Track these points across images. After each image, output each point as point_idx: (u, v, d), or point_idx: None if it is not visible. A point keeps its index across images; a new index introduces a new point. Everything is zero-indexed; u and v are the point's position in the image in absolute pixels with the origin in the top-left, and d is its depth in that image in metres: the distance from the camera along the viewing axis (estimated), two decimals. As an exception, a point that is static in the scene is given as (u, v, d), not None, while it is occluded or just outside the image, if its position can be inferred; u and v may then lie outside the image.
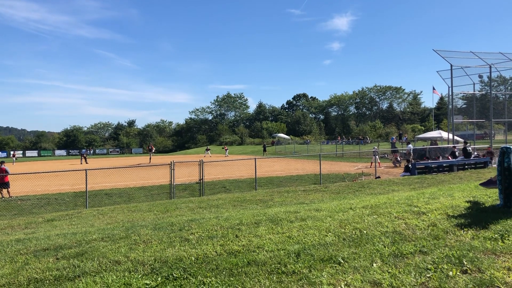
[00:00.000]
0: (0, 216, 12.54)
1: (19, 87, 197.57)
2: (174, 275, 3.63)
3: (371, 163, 28.27)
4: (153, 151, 43.42)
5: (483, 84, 31.43)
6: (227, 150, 57.06)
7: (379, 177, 18.89)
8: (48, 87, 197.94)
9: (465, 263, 3.47)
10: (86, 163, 42.31)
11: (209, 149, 57.24)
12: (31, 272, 3.99)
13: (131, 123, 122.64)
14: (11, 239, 6.39)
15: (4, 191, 16.80)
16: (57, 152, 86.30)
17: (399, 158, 28.06)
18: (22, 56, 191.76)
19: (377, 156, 26.59)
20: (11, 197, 16.54)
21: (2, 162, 18.04)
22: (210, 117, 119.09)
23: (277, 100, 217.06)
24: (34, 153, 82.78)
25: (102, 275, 3.74)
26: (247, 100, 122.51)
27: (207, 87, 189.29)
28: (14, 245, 5.62)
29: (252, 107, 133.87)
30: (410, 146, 31.33)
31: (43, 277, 3.81)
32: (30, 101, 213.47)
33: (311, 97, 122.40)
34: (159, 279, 3.57)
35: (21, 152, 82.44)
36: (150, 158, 39.73)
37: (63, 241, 5.53)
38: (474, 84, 28.88)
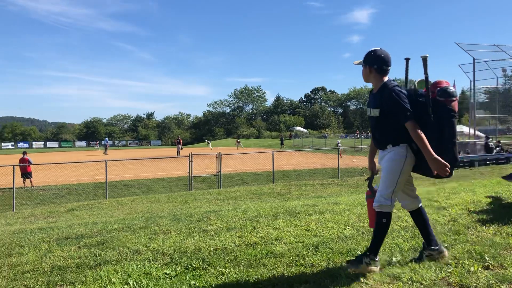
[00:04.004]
0: (23, 205, 12.86)
1: (41, 79, 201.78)
2: (193, 265, 3.67)
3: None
4: (181, 144, 41.57)
5: (506, 78, 30.74)
6: (239, 143, 52.33)
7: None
8: (69, 79, 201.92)
9: (487, 258, 3.40)
10: (106, 154, 42.42)
11: (209, 142, 56.40)
12: (54, 260, 4.08)
13: (150, 115, 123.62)
14: (35, 228, 6.55)
15: (27, 181, 17.21)
16: (77, 143, 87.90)
17: None
18: (44, 49, 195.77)
19: (341, 148, 27.85)
20: (33, 186, 16.93)
21: (25, 153, 18.42)
22: (227, 110, 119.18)
23: (295, 93, 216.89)
24: (55, 144, 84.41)
25: (122, 264, 3.81)
26: (264, 93, 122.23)
27: (224, 80, 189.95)
28: (37, 233, 5.75)
29: (269, 100, 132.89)
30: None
31: (66, 265, 3.89)
32: (51, 92, 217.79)
33: (330, 91, 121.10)
34: (179, 269, 3.61)
35: (42, 143, 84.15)
36: (178, 152, 37.79)
37: (84, 230, 5.64)
38: (497, 78, 28.19)
